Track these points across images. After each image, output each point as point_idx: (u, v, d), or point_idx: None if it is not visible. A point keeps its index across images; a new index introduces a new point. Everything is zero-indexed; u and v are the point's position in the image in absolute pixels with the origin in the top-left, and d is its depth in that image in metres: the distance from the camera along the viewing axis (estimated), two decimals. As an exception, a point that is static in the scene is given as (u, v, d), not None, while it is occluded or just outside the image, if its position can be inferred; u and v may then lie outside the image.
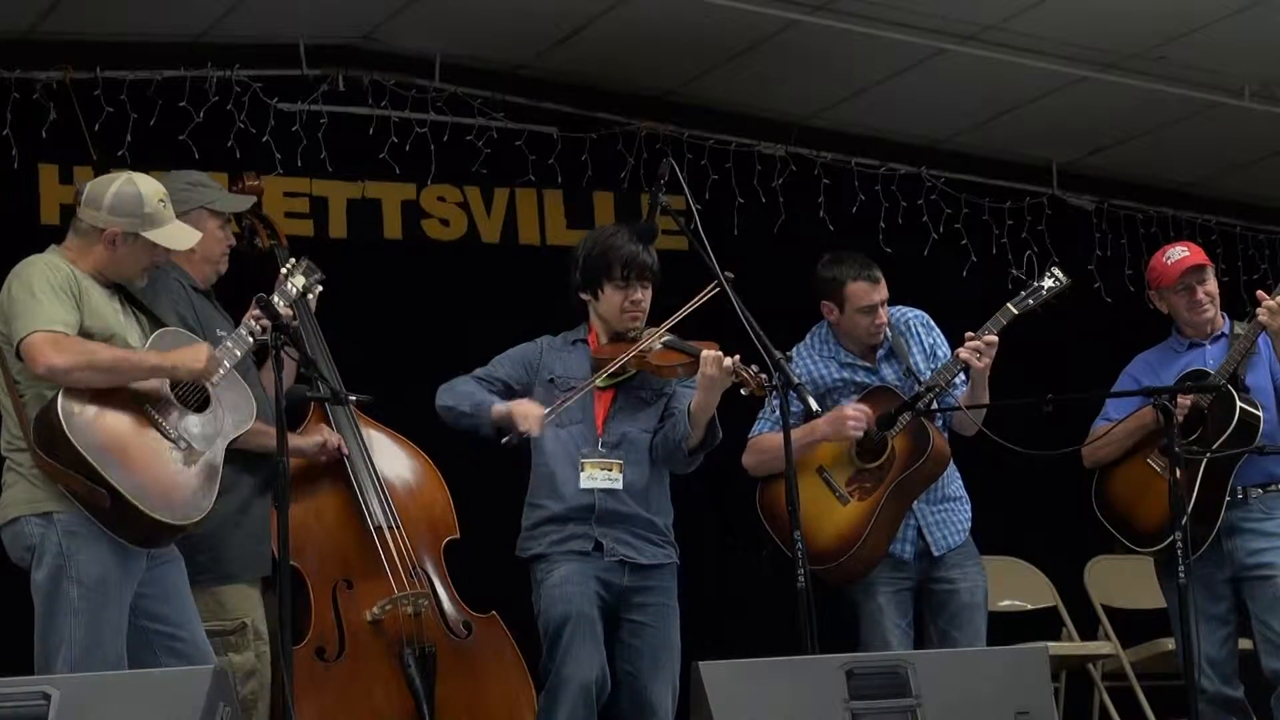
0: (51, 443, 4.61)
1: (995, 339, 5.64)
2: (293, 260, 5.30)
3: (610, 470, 5.36)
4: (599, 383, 5.42)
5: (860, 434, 5.62)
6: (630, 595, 5.36)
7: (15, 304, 4.70)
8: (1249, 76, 7.42)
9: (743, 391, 5.21)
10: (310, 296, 5.27)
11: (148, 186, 4.86)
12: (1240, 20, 6.81)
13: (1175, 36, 6.98)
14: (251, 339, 4.93)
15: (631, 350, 5.36)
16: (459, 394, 5.44)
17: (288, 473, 4.75)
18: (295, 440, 5.32)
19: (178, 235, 4.92)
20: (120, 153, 6.51)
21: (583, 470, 5.36)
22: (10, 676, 4.08)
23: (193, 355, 4.79)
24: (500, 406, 5.33)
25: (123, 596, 4.70)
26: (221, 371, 4.84)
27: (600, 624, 5.29)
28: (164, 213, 4.86)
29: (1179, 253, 5.94)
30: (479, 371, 5.51)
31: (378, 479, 5.51)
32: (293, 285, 5.15)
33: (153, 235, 4.84)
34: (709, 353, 5.21)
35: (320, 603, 5.36)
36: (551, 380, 5.45)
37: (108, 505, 4.60)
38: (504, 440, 5.27)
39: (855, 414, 5.61)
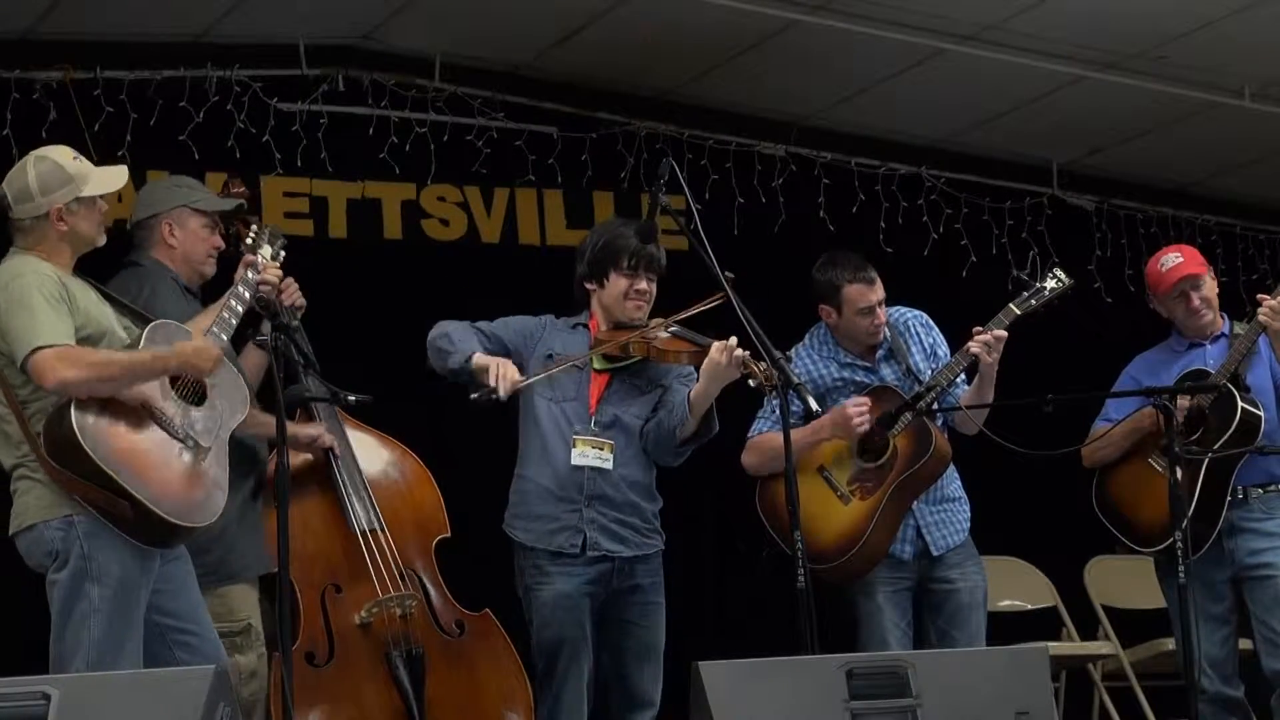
0: (67, 455, 4.58)
1: (1004, 334, 5.65)
2: (254, 229, 5.29)
3: (601, 449, 5.38)
4: (596, 365, 5.43)
5: (866, 427, 5.61)
6: (619, 596, 5.40)
7: (11, 319, 4.65)
8: (1249, 76, 7.42)
9: (750, 383, 5.21)
10: (278, 261, 5.25)
11: (56, 152, 4.88)
12: (1240, 20, 6.80)
13: (1175, 36, 6.98)
14: (240, 308, 4.93)
15: (638, 332, 5.37)
16: (451, 330, 5.46)
17: (288, 472, 4.74)
18: (290, 427, 5.30)
19: (108, 179, 4.93)
20: (120, 153, 6.50)
21: (574, 446, 5.37)
22: (10, 676, 4.08)
23: (198, 350, 4.76)
24: (482, 357, 5.35)
25: (141, 597, 4.70)
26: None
27: (591, 641, 5.37)
28: (84, 166, 4.87)
29: (1173, 259, 5.94)
30: (481, 323, 5.53)
31: (363, 482, 5.51)
32: (262, 257, 5.16)
33: (90, 190, 4.84)
34: (720, 343, 5.22)
35: (309, 608, 5.36)
36: (550, 356, 5.46)
37: (130, 515, 4.58)
38: (473, 395, 5.28)
39: (858, 408, 5.61)
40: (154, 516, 4.59)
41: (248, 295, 5.01)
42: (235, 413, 4.88)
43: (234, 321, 4.93)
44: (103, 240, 4.94)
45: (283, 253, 5.27)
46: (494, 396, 5.26)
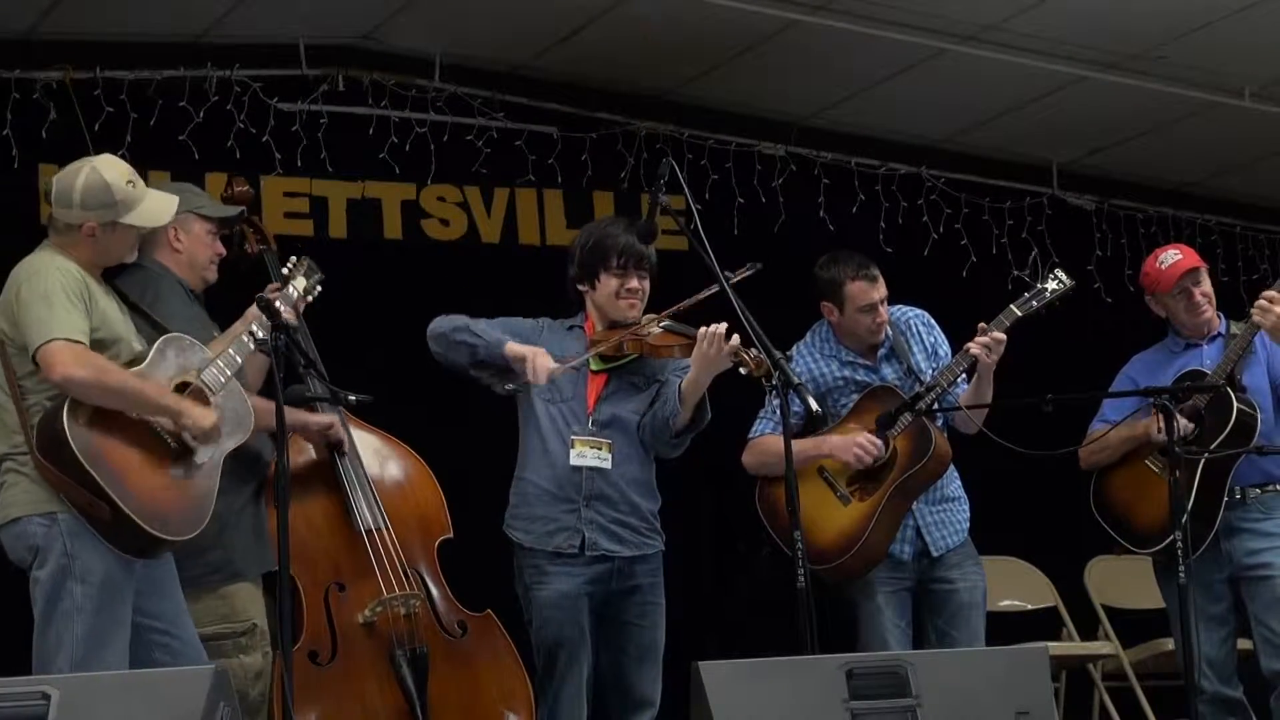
0: (55, 452, 4.59)
1: (1003, 336, 5.64)
2: (293, 260, 5.28)
3: (600, 449, 5.38)
4: (593, 365, 5.43)
5: (863, 466, 5.62)
6: (618, 597, 5.40)
7: (29, 309, 4.66)
8: (1249, 76, 7.42)
9: (741, 370, 5.18)
10: (310, 297, 5.25)
11: (113, 171, 4.79)
12: (1240, 20, 6.81)
13: (1175, 36, 6.99)
14: (251, 346, 4.91)
15: (630, 330, 5.37)
16: (469, 322, 5.43)
17: (288, 472, 4.74)
18: (302, 415, 5.31)
19: (154, 211, 4.87)
20: (120, 152, 6.46)
21: (572, 447, 5.37)
22: (10, 676, 4.08)
23: (202, 415, 4.75)
24: (517, 346, 5.33)
25: (126, 596, 4.70)
26: (222, 379, 4.83)
27: (590, 640, 5.37)
28: (135, 192, 4.80)
29: (1172, 256, 5.94)
30: (482, 320, 5.48)
31: (367, 481, 5.51)
32: (294, 288, 5.14)
33: (130, 219, 4.80)
34: (707, 330, 5.21)
35: (312, 606, 5.35)
36: None
37: (108, 518, 4.59)
38: (506, 387, 5.29)
39: (868, 445, 5.62)
40: (130, 522, 4.59)
41: (261, 334, 4.88)
42: (234, 435, 4.87)
43: (239, 360, 4.88)
44: (132, 258, 4.94)
45: (319, 288, 5.22)
46: (525, 385, 5.26)
